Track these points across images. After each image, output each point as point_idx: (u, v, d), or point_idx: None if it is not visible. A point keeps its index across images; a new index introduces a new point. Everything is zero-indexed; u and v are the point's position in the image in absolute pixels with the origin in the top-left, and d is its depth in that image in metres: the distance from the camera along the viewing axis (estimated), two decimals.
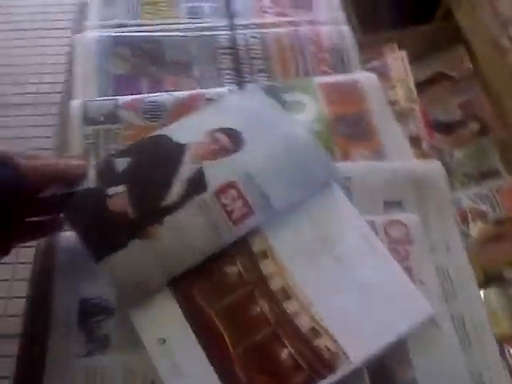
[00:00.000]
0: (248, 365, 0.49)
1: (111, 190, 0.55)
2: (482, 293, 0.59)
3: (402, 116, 0.83)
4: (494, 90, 0.93)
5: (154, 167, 0.57)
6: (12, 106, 1.83)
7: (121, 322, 0.53)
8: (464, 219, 0.85)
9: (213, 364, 0.49)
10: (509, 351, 0.61)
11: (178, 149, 0.58)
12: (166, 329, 0.51)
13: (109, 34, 0.74)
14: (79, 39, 0.74)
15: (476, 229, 0.84)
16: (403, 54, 0.95)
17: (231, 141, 0.59)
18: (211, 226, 0.53)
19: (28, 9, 2.10)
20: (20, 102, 1.84)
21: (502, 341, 0.58)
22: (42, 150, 1.60)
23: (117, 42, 0.73)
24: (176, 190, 0.55)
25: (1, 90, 1.86)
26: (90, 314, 0.53)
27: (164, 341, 0.50)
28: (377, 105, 0.68)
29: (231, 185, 0.55)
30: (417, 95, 0.93)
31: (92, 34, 0.74)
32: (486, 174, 0.90)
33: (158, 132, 0.60)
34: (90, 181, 0.55)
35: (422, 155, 0.87)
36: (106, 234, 0.53)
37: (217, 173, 0.56)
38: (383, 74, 0.96)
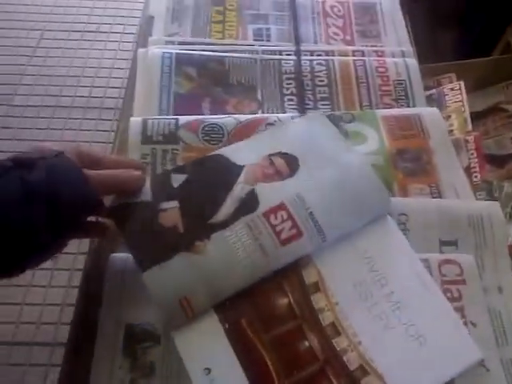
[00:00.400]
0: None
1: (164, 205, 0.55)
2: None
3: (455, 146, 0.82)
4: None
5: (208, 185, 0.58)
6: (61, 108, 1.83)
7: (167, 350, 0.52)
8: (510, 253, 0.84)
9: None
10: None
11: (235, 169, 0.58)
12: (211, 358, 0.50)
13: (174, 50, 0.74)
14: (143, 54, 0.74)
15: None
16: (461, 84, 0.94)
17: (287, 165, 0.59)
18: (258, 244, 0.53)
19: (85, 10, 2.10)
20: (70, 105, 1.83)
21: None
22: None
23: (182, 60, 0.73)
24: (226, 208, 0.55)
25: (52, 91, 1.86)
26: (136, 339, 0.53)
27: (209, 371, 0.49)
28: (439, 141, 0.68)
29: (281, 206, 0.55)
30: (472, 127, 0.92)
31: (157, 49, 0.74)
32: None
33: (216, 152, 0.61)
34: (146, 193, 0.56)
35: (473, 187, 0.86)
36: (154, 246, 0.53)
37: (268, 195, 0.56)
38: (439, 103, 0.95)
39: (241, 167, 0.59)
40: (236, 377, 0.49)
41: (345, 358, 0.50)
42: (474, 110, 0.96)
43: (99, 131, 1.75)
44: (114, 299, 0.55)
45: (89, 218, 0.54)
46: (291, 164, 0.59)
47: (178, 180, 0.57)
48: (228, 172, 0.58)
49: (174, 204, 0.55)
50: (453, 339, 0.53)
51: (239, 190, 0.57)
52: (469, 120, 0.93)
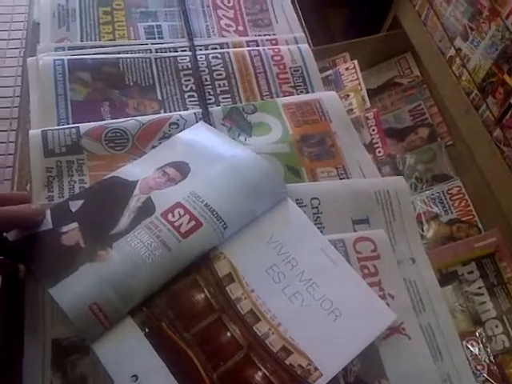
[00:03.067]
0: None
1: (64, 228, 0.56)
2: None
3: (356, 124, 0.84)
4: (440, 97, 0.96)
5: (105, 203, 0.59)
6: None
7: (97, 360, 0.51)
8: (419, 221, 0.88)
9: None
10: (468, 347, 0.64)
11: (129, 185, 0.60)
12: (136, 364, 0.50)
13: (65, 57, 0.71)
14: (33, 63, 0.71)
15: (430, 230, 0.87)
16: (355, 63, 0.97)
17: (178, 172, 0.61)
18: (160, 241, 0.54)
19: None
20: None
21: (461, 337, 0.61)
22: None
23: (75, 65, 0.70)
24: (125, 219, 0.57)
25: None
26: (64, 353, 0.52)
27: (137, 377, 0.49)
28: (340, 124, 0.70)
29: (177, 205, 0.57)
30: (370, 103, 0.95)
31: (47, 57, 0.71)
32: (437, 178, 0.94)
33: (110, 174, 0.61)
34: (46, 223, 0.56)
35: (377, 162, 0.89)
36: (59, 264, 0.53)
37: (164, 198, 0.58)
38: (337, 83, 0.98)
39: (135, 182, 0.60)
40: (164, 379, 0.50)
41: (267, 342, 0.52)
42: (370, 87, 1.00)
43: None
44: (36, 317, 0.54)
45: None
46: (182, 169, 0.61)
47: (76, 205, 0.58)
48: (123, 189, 0.60)
49: (74, 225, 0.56)
50: (365, 306, 0.55)
51: (135, 201, 0.58)
52: (366, 97, 0.96)
